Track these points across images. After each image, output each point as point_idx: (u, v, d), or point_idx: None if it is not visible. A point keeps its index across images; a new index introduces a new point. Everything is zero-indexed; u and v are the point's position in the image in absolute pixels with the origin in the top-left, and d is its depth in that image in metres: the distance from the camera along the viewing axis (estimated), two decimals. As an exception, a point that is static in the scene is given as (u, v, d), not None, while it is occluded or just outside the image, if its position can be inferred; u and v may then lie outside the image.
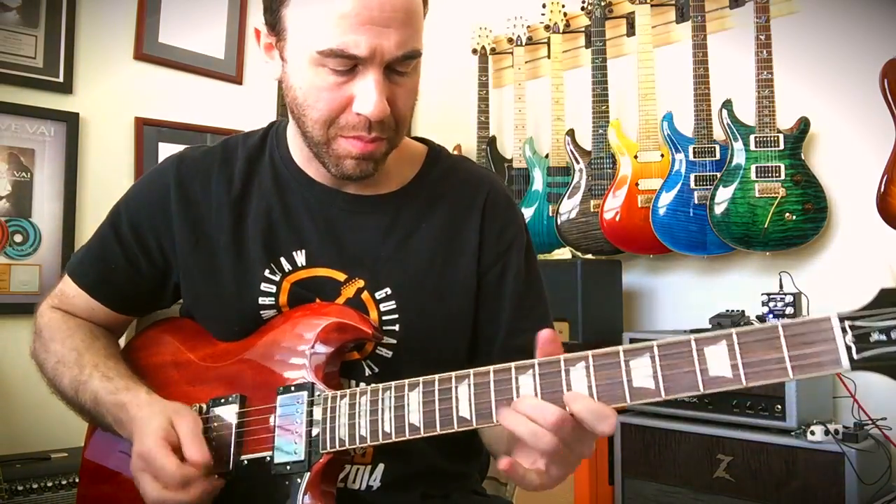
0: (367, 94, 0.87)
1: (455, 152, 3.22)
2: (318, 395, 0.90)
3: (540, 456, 0.76)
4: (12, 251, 2.31)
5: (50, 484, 1.93)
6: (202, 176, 1.04)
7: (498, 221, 1.06)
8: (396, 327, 0.99)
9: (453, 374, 0.82)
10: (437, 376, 0.83)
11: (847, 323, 0.65)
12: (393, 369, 0.98)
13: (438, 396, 0.82)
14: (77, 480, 1.94)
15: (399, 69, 0.89)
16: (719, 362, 0.70)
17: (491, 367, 0.80)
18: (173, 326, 1.11)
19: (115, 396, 0.96)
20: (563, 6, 2.96)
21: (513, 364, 0.79)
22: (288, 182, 1.04)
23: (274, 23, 0.92)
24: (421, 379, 0.84)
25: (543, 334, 0.79)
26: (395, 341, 0.99)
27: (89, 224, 2.46)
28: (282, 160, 1.05)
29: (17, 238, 2.33)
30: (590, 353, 0.76)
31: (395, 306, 0.99)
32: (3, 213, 2.30)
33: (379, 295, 0.99)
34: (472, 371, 0.81)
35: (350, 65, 0.87)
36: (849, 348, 0.65)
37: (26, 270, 2.33)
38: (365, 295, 0.99)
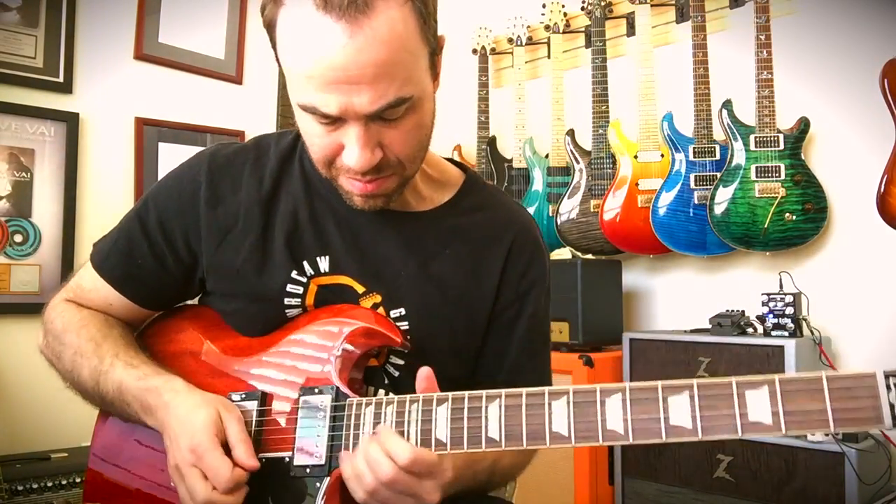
0: (350, 148, 0.85)
1: (455, 152, 3.23)
2: (343, 401, 0.89)
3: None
4: (12, 251, 2.31)
5: (50, 484, 1.93)
6: (233, 174, 1.03)
7: (522, 262, 1.05)
8: (406, 350, 0.98)
9: (484, 392, 0.81)
10: (466, 393, 0.82)
11: (892, 381, 0.65)
12: (399, 389, 0.98)
13: (467, 414, 0.81)
14: (77, 480, 1.96)
15: (386, 117, 0.84)
16: (760, 408, 0.70)
17: (524, 390, 0.79)
18: (193, 314, 1.10)
19: (143, 382, 0.94)
20: (563, 6, 2.96)
21: (546, 389, 0.79)
22: (317, 188, 1.02)
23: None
24: (450, 394, 0.83)
25: (422, 372, 0.83)
26: (402, 362, 0.99)
27: (89, 224, 2.46)
28: (312, 166, 1.02)
29: (17, 238, 2.33)
30: (627, 385, 0.76)
31: (407, 327, 0.98)
32: (3, 213, 2.30)
33: (394, 314, 0.98)
34: (503, 392, 0.80)
35: (330, 119, 0.84)
36: (892, 406, 0.65)
37: (26, 270, 2.33)
38: (381, 311, 0.98)
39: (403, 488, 0.80)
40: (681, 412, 0.72)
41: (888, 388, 0.65)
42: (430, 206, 1.04)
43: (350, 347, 0.92)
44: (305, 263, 0.99)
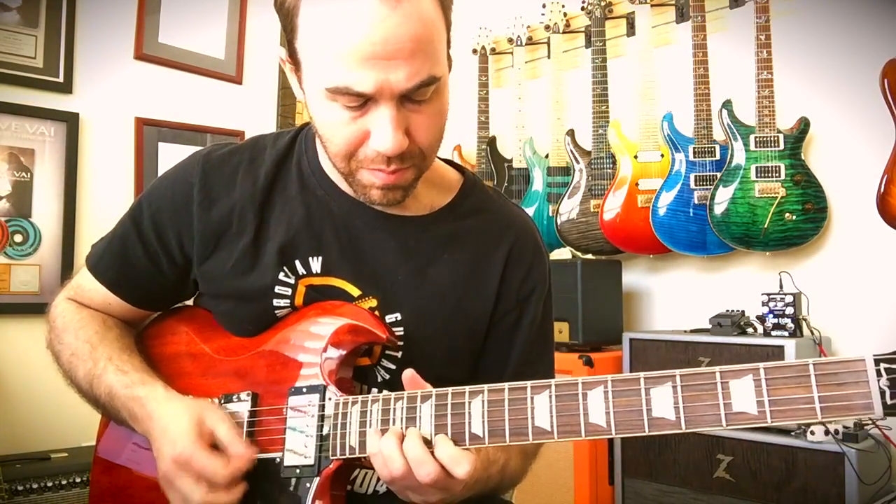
0: (381, 131, 0.83)
1: (455, 152, 3.23)
2: (330, 400, 0.89)
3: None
4: (12, 251, 2.31)
5: (50, 484, 1.93)
6: (227, 175, 1.02)
7: (522, 268, 1.04)
8: (399, 354, 0.98)
9: (467, 388, 0.81)
10: (450, 389, 0.82)
11: (883, 366, 0.62)
12: (392, 390, 0.96)
13: (451, 410, 0.81)
14: (77, 480, 1.96)
15: (416, 98, 0.84)
16: (744, 397, 0.67)
17: (506, 385, 0.79)
18: (188, 315, 1.10)
19: (130, 391, 0.95)
20: (563, 6, 2.96)
21: (529, 383, 0.78)
22: (314, 189, 1.01)
23: (292, 53, 0.89)
24: (434, 391, 0.83)
25: (406, 374, 0.84)
26: (394, 367, 0.98)
27: (89, 224, 2.46)
28: (310, 166, 1.02)
29: (17, 238, 2.33)
30: (609, 377, 0.74)
31: (402, 333, 0.98)
32: (3, 213, 2.30)
33: (389, 319, 0.98)
34: (486, 387, 0.79)
35: (360, 101, 0.82)
36: (882, 392, 0.62)
37: (26, 270, 2.33)
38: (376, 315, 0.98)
39: (438, 484, 0.79)
40: (663, 403, 0.70)
41: (878, 374, 0.62)
42: (427, 210, 1.02)
43: (336, 346, 0.92)
44: (297, 263, 0.99)
